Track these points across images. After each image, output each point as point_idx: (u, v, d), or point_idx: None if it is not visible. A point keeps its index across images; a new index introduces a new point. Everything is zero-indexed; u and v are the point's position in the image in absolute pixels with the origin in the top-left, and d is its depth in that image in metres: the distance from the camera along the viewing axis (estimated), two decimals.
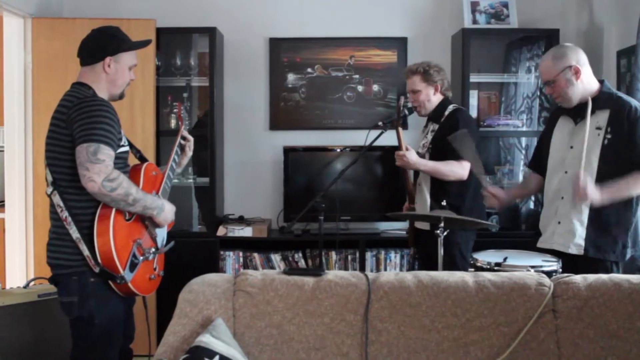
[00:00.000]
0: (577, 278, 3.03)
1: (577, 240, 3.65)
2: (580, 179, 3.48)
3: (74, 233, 3.00)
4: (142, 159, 3.45)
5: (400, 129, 4.30)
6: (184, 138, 3.61)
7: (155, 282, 3.31)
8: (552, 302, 2.95)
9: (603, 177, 3.58)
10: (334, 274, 3.05)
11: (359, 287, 2.97)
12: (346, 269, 5.24)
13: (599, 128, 3.61)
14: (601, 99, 3.66)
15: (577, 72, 3.65)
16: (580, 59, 3.69)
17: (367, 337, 2.89)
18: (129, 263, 3.04)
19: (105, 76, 3.20)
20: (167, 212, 3.26)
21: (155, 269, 3.28)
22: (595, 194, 3.48)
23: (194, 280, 3.01)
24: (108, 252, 2.97)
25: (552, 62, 3.69)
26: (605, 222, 3.63)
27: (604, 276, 3.04)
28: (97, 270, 2.99)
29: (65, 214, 3.01)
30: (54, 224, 3.12)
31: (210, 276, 3.05)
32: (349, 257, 5.28)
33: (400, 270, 5.24)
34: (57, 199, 3.04)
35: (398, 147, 4.31)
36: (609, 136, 3.58)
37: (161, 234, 3.34)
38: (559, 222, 3.76)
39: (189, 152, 3.64)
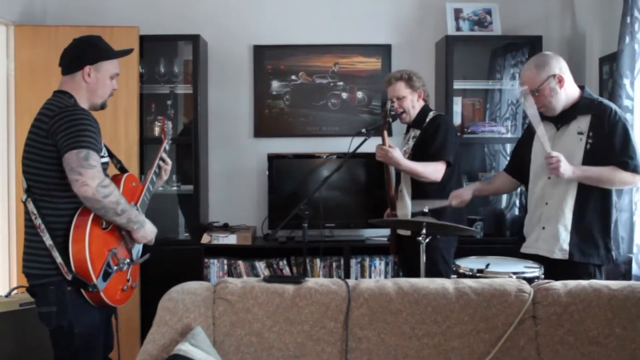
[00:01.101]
0: (557, 284, 3.03)
1: (561, 245, 3.67)
2: (552, 155, 3.55)
3: (47, 240, 2.99)
4: (122, 170, 3.44)
5: (385, 132, 4.31)
6: (162, 160, 3.58)
7: (128, 294, 3.28)
8: (532, 309, 2.96)
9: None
10: (314, 282, 3.04)
11: (339, 295, 2.97)
12: (331, 276, 5.23)
13: (580, 133, 3.65)
14: (582, 105, 3.69)
15: (560, 81, 3.67)
16: (563, 67, 3.72)
17: (347, 345, 2.88)
18: (102, 272, 3.02)
19: (85, 85, 3.19)
20: (147, 230, 3.24)
21: (128, 280, 3.26)
22: (566, 166, 3.53)
23: (174, 288, 3.00)
24: (82, 260, 2.96)
25: (536, 70, 3.70)
26: (589, 226, 3.66)
27: (583, 282, 3.05)
28: (69, 277, 2.97)
29: (38, 222, 3.01)
30: (27, 232, 3.12)
31: (190, 284, 3.04)
32: (334, 264, 5.27)
33: (385, 277, 5.24)
34: (31, 206, 3.04)
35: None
36: (590, 141, 3.62)
37: (137, 246, 3.32)
38: (543, 228, 3.78)
39: (164, 176, 3.59)
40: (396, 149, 4.25)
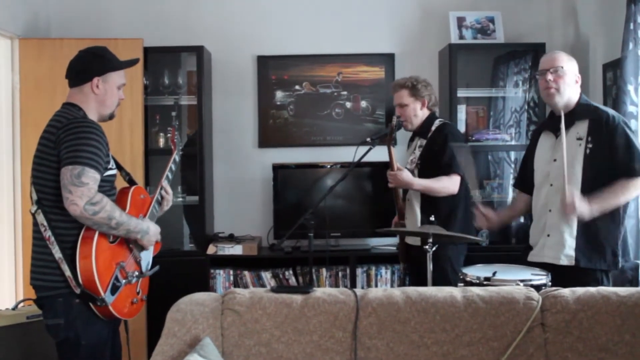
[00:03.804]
0: (566, 291, 3.03)
1: (567, 251, 3.68)
2: (567, 194, 3.52)
3: (57, 253, 2.99)
4: (131, 182, 3.44)
5: (392, 148, 4.32)
6: (164, 190, 3.54)
7: (138, 307, 3.28)
8: (541, 316, 2.96)
9: (587, 186, 3.63)
10: (322, 291, 3.05)
11: (347, 304, 2.97)
12: (337, 285, 5.23)
13: (579, 138, 3.69)
14: (579, 110, 3.75)
15: (577, 81, 3.80)
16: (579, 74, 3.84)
17: (356, 354, 2.88)
18: (110, 286, 3.02)
19: (94, 97, 3.19)
20: (151, 234, 3.24)
21: (138, 293, 3.26)
22: (583, 207, 3.51)
23: (182, 299, 3.00)
24: (89, 274, 2.96)
25: (568, 58, 3.82)
26: (595, 231, 3.66)
27: (592, 289, 3.05)
28: (77, 291, 2.97)
29: (48, 234, 3.01)
30: (36, 244, 3.11)
31: (198, 295, 3.04)
32: (340, 274, 5.27)
33: (392, 286, 5.24)
34: (40, 218, 3.04)
35: (387, 163, 4.32)
36: (590, 145, 3.65)
37: (146, 258, 3.32)
38: (548, 235, 3.78)
39: (165, 207, 3.56)
40: (405, 171, 4.24)
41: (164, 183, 3.54)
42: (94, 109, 3.21)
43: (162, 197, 3.52)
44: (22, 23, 5.04)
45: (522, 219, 5.42)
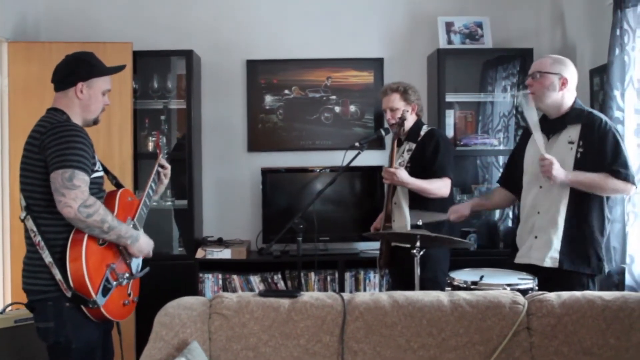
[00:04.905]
0: (551, 295, 3.05)
1: (552, 253, 3.70)
2: (546, 155, 3.60)
3: (47, 257, 2.99)
4: (118, 185, 3.45)
5: (395, 145, 4.36)
6: (162, 166, 3.61)
7: (130, 308, 3.29)
8: (527, 320, 2.98)
9: (577, 189, 3.64)
10: (309, 295, 3.06)
11: (334, 308, 2.98)
12: (325, 289, 5.23)
13: (571, 142, 3.72)
14: (573, 114, 3.77)
15: (564, 84, 3.77)
16: (573, 77, 3.83)
17: (343, 358, 2.89)
18: (101, 288, 3.03)
19: (78, 102, 3.20)
20: (142, 243, 3.25)
21: (129, 295, 3.26)
22: (559, 170, 3.58)
23: (170, 303, 3.01)
24: (80, 277, 2.96)
25: (552, 61, 3.82)
26: (581, 235, 3.69)
27: (577, 293, 3.07)
28: (69, 294, 2.98)
29: (38, 239, 3.01)
30: (28, 249, 3.12)
31: (185, 299, 3.05)
32: (328, 278, 5.27)
33: (380, 290, 5.24)
34: (30, 223, 3.04)
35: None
36: (581, 150, 3.68)
37: (136, 260, 3.33)
38: (536, 237, 3.80)
39: (165, 180, 3.63)
40: (402, 169, 4.27)
41: (162, 160, 3.61)
42: (78, 114, 3.22)
43: (159, 175, 3.58)
44: (10, 26, 5.03)
45: (510, 224, 5.46)
